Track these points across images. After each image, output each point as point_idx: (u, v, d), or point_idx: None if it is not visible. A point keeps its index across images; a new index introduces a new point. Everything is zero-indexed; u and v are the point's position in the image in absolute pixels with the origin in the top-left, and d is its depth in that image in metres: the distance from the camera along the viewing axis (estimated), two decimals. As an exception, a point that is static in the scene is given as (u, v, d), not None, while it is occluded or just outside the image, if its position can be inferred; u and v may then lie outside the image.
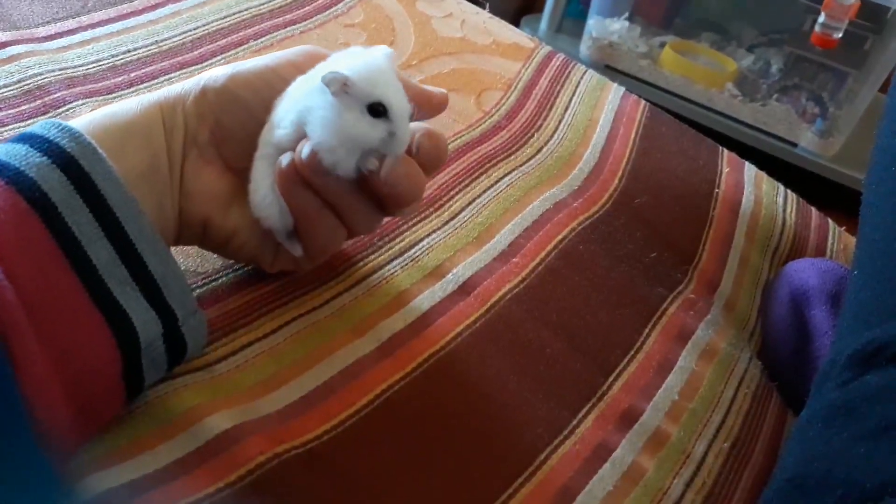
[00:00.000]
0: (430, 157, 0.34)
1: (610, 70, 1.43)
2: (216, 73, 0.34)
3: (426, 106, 0.36)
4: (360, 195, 0.34)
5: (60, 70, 0.50)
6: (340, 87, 0.31)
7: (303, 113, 0.32)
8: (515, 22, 1.58)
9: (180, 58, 0.54)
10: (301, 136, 0.33)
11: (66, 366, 0.27)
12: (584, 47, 1.44)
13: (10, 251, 0.26)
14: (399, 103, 0.32)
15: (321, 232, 0.35)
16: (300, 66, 0.34)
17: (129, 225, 0.30)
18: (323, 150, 0.31)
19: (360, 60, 0.32)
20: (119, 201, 0.29)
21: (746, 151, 1.33)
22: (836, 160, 1.32)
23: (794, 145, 1.34)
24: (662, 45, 1.43)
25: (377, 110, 0.31)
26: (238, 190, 0.35)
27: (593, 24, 1.42)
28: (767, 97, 1.36)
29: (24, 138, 0.29)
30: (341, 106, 0.31)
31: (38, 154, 0.28)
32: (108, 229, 0.29)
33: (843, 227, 0.61)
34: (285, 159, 0.33)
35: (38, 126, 0.30)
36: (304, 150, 0.32)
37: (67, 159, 0.29)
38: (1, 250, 0.26)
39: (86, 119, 0.32)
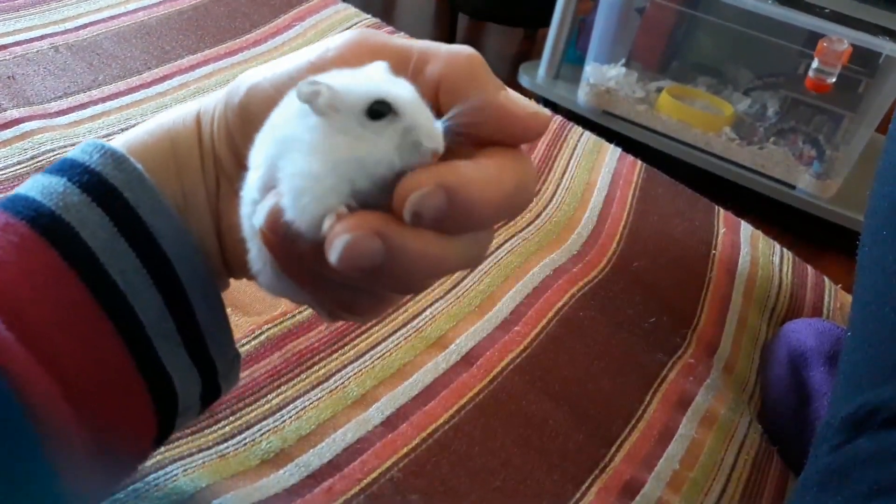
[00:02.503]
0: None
1: (608, 115, 1.45)
2: (242, 81, 0.26)
3: (510, 124, 0.23)
4: None
5: (72, 145, 0.52)
6: (326, 101, 0.21)
7: (278, 147, 0.22)
8: (514, 69, 1.61)
9: (188, 130, 0.56)
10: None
11: (102, 443, 0.24)
12: (582, 93, 1.46)
13: (43, 324, 0.23)
14: (408, 95, 0.22)
15: (342, 305, 0.26)
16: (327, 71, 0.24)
17: (181, 266, 0.26)
18: (293, 203, 0.21)
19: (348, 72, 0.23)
20: (171, 239, 0.25)
21: (745, 194, 1.36)
22: (833, 201, 1.33)
23: (793, 187, 1.35)
24: (659, 89, 1.45)
25: (378, 111, 0.21)
26: None
27: (590, 70, 1.45)
28: (764, 140, 1.38)
29: (64, 168, 0.26)
30: (330, 128, 0.21)
31: (78, 191, 0.25)
32: (156, 275, 0.25)
33: (840, 283, 0.62)
34: (258, 217, 0.23)
35: (78, 150, 0.26)
36: (260, 210, 0.22)
37: (109, 192, 0.25)
38: (36, 325, 0.23)
39: (129, 136, 0.27)
